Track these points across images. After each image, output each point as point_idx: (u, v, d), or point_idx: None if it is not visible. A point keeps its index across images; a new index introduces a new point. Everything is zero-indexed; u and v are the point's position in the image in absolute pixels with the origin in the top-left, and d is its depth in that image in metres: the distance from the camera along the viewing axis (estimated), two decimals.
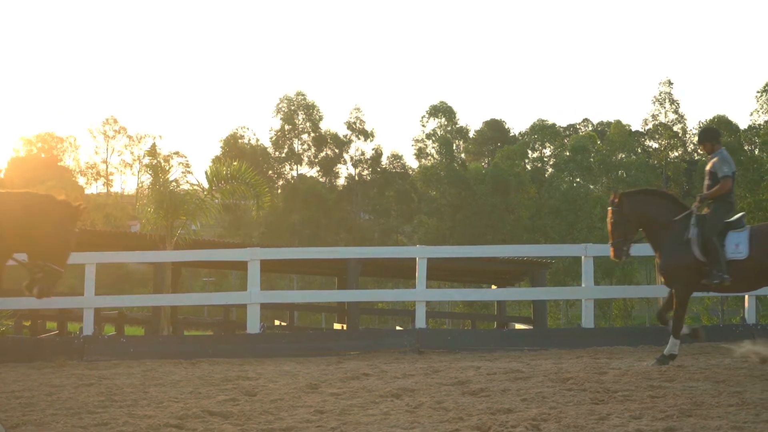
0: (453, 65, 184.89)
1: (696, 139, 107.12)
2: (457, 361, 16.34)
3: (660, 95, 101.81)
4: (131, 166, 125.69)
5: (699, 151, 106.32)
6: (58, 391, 13.18)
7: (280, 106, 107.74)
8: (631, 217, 15.48)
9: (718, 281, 15.14)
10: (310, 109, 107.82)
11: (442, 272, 37.41)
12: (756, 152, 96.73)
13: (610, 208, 15.61)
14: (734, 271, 15.14)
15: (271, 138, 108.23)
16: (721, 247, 15.18)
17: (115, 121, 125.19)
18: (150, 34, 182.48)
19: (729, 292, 15.94)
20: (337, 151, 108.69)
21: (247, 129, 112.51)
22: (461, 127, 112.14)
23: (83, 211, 10.89)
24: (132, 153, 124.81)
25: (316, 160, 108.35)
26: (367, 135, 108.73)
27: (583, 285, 19.64)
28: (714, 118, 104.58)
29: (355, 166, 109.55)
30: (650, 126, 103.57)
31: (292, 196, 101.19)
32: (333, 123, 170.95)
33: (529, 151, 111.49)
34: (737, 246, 15.28)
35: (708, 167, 15.79)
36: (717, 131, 16.27)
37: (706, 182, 15.67)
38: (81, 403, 12.02)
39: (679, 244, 15.36)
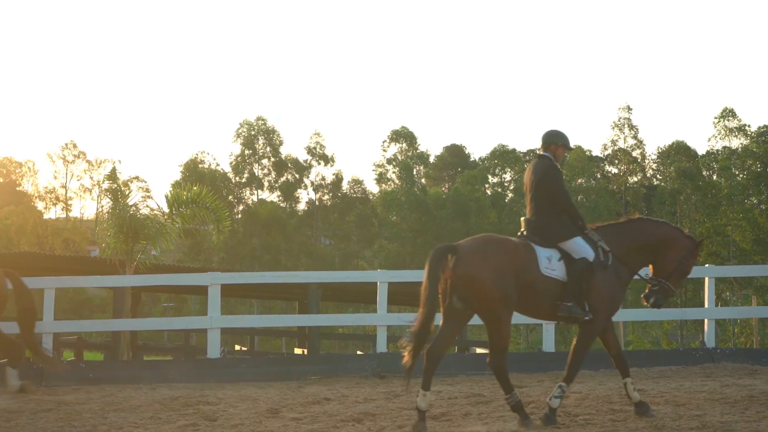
0: (414, 90, 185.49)
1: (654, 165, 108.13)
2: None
3: (619, 121, 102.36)
4: (90, 191, 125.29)
5: (658, 176, 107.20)
6: (16, 416, 13.07)
7: (240, 131, 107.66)
8: None
9: None
10: (270, 134, 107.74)
11: (402, 297, 37.30)
12: (714, 177, 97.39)
13: None
14: None
15: (231, 163, 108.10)
16: None
17: (75, 146, 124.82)
18: (109, 58, 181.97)
19: None
20: (297, 176, 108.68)
21: (207, 154, 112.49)
22: (422, 152, 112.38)
23: (702, 246, 12.68)
24: (91, 178, 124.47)
25: (277, 185, 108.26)
26: (327, 160, 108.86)
27: None
28: (673, 143, 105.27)
29: (315, 191, 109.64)
30: (609, 151, 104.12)
31: (252, 221, 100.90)
32: (293, 148, 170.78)
33: (490, 176, 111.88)
34: None
35: None
36: None
37: None
38: (40, 429, 11.94)
39: None
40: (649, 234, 12.42)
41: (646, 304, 12.50)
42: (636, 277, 12.63)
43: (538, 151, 12.72)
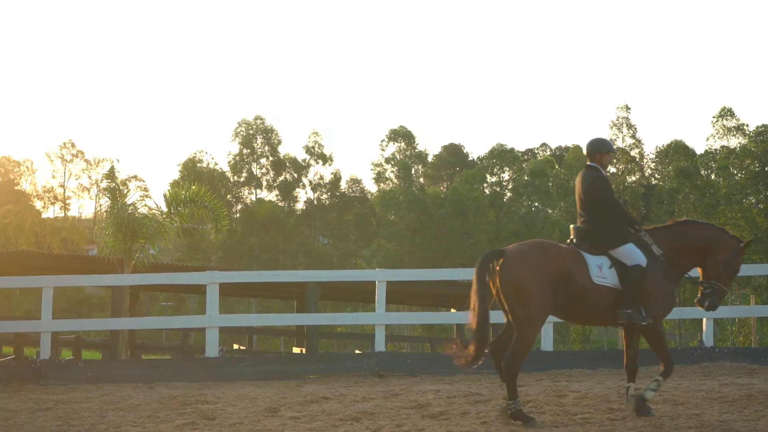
0: (413, 90, 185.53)
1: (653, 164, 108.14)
2: (416, 384, 16.33)
3: (617, 120, 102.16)
4: (89, 190, 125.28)
5: (657, 175, 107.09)
6: (14, 415, 13.06)
7: (238, 130, 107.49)
8: None
9: None
10: (268, 134, 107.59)
11: (401, 296, 37.37)
12: (712, 177, 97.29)
13: None
14: None
15: (229, 162, 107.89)
16: None
17: (73, 145, 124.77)
18: (108, 58, 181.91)
19: None
20: (295, 175, 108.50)
21: (206, 153, 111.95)
22: (420, 151, 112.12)
23: (748, 246, 13.05)
24: (89, 177, 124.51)
25: (275, 184, 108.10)
26: (325, 159, 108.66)
27: None
28: (671, 142, 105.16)
29: (314, 190, 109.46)
30: None
31: (250, 220, 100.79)
32: (292, 147, 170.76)
33: (488, 176, 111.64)
34: None
35: None
36: None
37: None
38: (38, 428, 11.92)
39: None
40: (695, 237, 12.65)
41: (701, 308, 12.71)
42: (686, 275, 12.88)
43: (586, 162, 12.90)
